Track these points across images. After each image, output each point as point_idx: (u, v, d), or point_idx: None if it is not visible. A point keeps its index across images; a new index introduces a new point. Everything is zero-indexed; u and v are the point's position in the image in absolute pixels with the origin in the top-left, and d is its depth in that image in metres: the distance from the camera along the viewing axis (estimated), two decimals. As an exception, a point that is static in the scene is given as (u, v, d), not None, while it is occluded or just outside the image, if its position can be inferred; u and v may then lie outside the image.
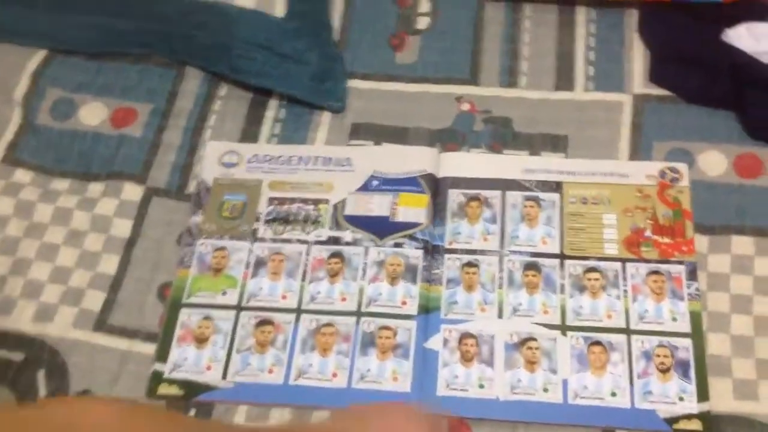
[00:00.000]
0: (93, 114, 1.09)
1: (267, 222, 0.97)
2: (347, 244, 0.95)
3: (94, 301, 0.95)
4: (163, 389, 0.88)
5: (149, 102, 1.09)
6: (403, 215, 0.97)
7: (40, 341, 0.92)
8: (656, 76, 1.06)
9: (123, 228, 0.99)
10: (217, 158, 1.02)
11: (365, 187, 0.99)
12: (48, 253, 0.98)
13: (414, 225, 0.95)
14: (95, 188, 1.02)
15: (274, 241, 0.96)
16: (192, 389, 0.88)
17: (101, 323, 0.93)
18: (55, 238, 0.99)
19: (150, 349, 0.91)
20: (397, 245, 0.95)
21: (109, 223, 1.00)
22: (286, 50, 1.08)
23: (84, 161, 1.05)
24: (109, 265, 0.97)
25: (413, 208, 0.97)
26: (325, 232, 0.96)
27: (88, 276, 0.96)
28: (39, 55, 1.14)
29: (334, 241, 0.96)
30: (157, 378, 0.88)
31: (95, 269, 0.97)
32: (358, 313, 0.91)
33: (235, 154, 1.03)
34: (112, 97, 1.10)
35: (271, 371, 0.88)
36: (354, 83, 1.09)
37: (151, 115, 1.08)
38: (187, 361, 0.89)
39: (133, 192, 1.02)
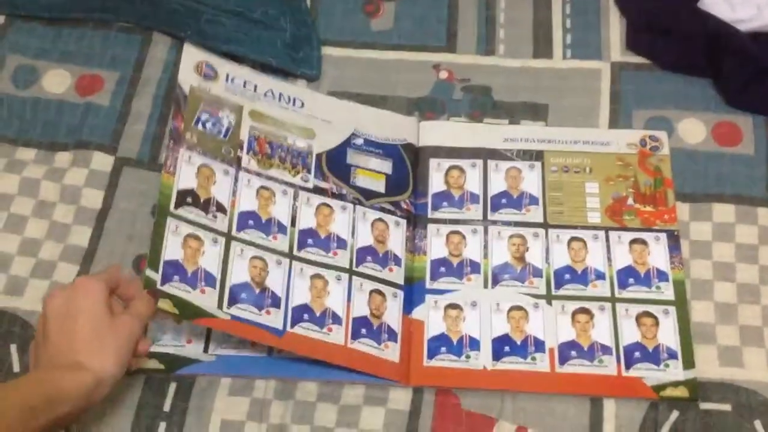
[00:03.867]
0: (57, 82, 1.05)
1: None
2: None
3: (67, 273, 0.91)
4: (143, 364, 0.85)
5: (115, 69, 1.06)
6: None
7: (11, 315, 0.89)
8: (633, 43, 1.06)
9: (94, 199, 0.96)
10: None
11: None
12: (16, 224, 0.94)
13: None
14: (63, 158, 0.99)
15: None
16: (173, 363, 0.85)
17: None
18: (22, 209, 0.95)
19: (126, 322, 0.88)
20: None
21: (78, 194, 0.96)
22: (258, 16, 1.05)
23: (50, 130, 1.01)
24: (81, 237, 0.94)
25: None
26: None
27: (59, 248, 0.93)
28: (-6, 21, 1.09)
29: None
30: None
31: (66, 241, 0.93)
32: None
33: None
34: (75, 64, 1.06)
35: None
36: (328, 50, 1.07)
37: (118, 82, 1.04)
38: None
39: (102, 162, 0.98)
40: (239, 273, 0.86)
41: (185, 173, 0.89)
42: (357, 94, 1.03)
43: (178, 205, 0.87)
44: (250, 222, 0.89)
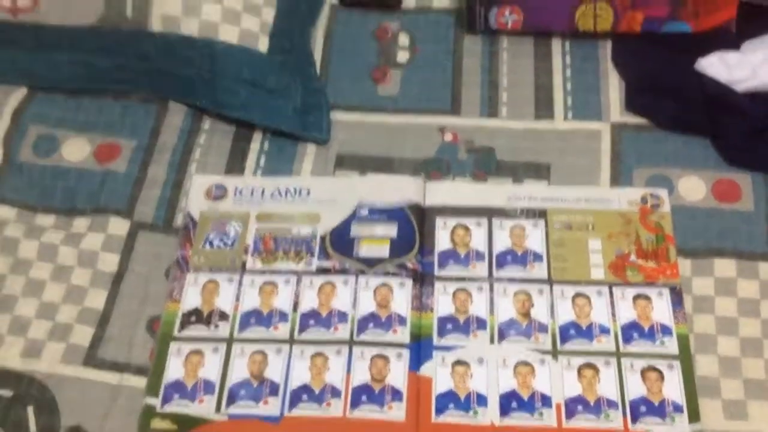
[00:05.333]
0: (76, 150, 1.09)
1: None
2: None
3: (83, 335, 0.94)
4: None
5: (132, 137, 1.09)
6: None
7: (28, 377, 0.91)
8: (631, 104, 1.09)
9: (110, 262, 0.99)
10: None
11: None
12: (34, 288, 0.97)
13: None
14: (81, 223, 1.02)
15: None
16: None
17: (90, 358, 0.92)
18: (41, 273, 0.98)
19: (141, 382, 0.90)
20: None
21: (95, 258, 0.99)
22: (271, 84, 1.09)
23: (68, 197, 1.04)
24: (97, 299, 0.96)
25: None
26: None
27: (75, 311, 0.95)
28: (19, 93, 1.14)
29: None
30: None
31: (83, 304, 0.96)
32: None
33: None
34: (94, 132, 1.10)
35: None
36: (337, 115, 1.11)
37: (135, 150, 1.08)
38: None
39: (119, 226, 1.01)
40: (239, 371, 0.90)
41: (190, 295, 0.94)
42: (365, 157, 1.07)
43: (181, 328, 0.92)
44: (252, 320, 0.93)
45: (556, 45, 1.15)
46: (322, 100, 1.11)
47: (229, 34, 1.08)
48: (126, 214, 1.02)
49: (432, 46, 1.17)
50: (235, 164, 1.07)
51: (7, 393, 0.90)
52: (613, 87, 1.10)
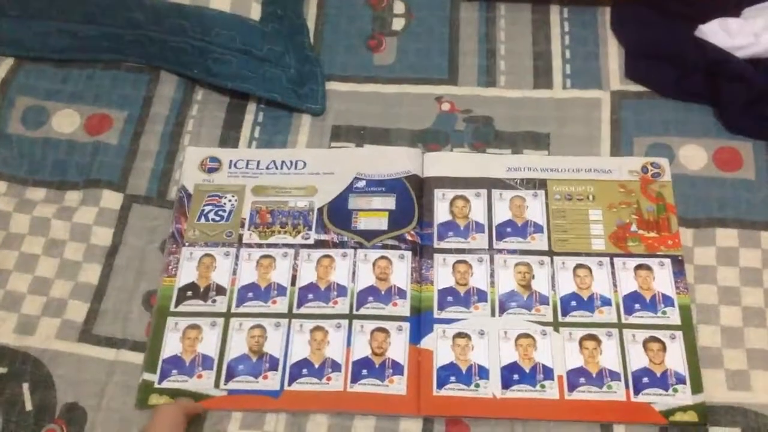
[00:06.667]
0: (66, 121, 1.07)
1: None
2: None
3: (77, 311, 0.92)
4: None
5: (123, 108, 1.07)
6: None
7: (23, 353, 0.90)
8: (631, 71, 1.07)
9: (103, 236, 0.97)
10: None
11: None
12: (27, 263, 0.96)
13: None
14: (72, 197, 1.00)
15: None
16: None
17: (86, 334, 0.91)
18: (33, 248, 0.97)
19: (137, 358, 0.89)
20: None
21: (88, 232, 0.97)
22: (264, 53, 1.07)
23: (59, 170, 1.02)
24: (91, 274, 0.95)
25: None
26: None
27: (69, 286, 0.94)
28: (5, 64, 1.11)
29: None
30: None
31: (76, 279, 0.95)
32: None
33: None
34: (84, 104, 1.08)
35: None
36: (332, 85, 1.09)
37: (127, 121, 1.06)
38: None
39: (112, 200, 1.00)
40: (237, 346, 0.89)
41: (186, 270, 0.93)
42: (361, 128, 1.05)
43: (178, 303, 0.91)
44: (250, 294, 0.92)
45: (555, 12, 1.13)
46: (316, 70, 1.09)
47: (220, 2, 1.06)
48: (118, 187, 1.01)
49: (428, 13, 1.14)
50: (229, 136, 1.05)
51: (1, 369, 0.88)
52: (613, 54, 1.08)
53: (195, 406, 0.85)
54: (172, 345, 0.89)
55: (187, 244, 0.95)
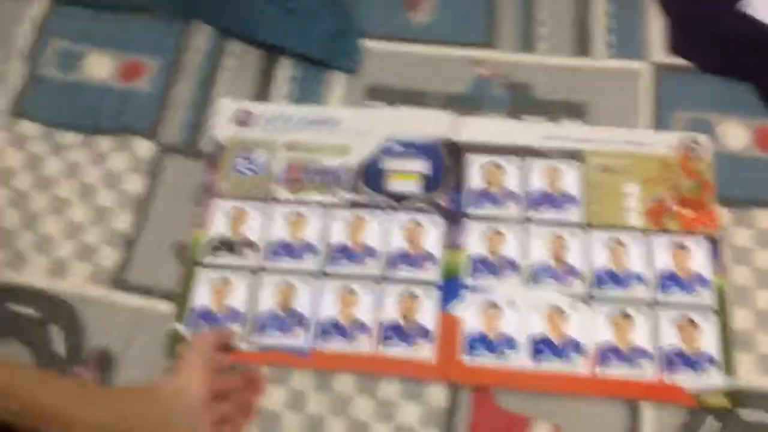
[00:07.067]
0: (99, 66, 1.06)
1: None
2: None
3: (109, 257, 0.92)
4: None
5: (156, 56, 1.06)
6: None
7: (54, 296, 0.90)
8: (675, 46, 1.05)
9: (135, 184, 0.97)
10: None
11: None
12: (59, 207, 0.95)
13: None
14: (105, 143, 1.00)
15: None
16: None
17: (117, 280, 0.91)
18: (66, 192, 0.96)
19: (167, 307, 0.89)
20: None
21: (120, 179, 0.97)
22: (298, 5, 1.05)
23: (92, 115, 1.02)
24: (124, 221, 0.95)
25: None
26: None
27: (101, 232, 0.94)
28: (38, 4, 1.10)
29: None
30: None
31: (109, 225, 0.94)
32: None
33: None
34: (117, 49, 1.07)
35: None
36: (368, 44, 1.07)
37: (159, 69, 1.05)
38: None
39: (144, 148, 0.99)
40: (266, 302, 0.88)
41: (218, 222, 0.92)
42: (395, 89, 1.03)
43: (208, 255, 0.91)
44: (280, 250, 0.91)
45: (598, -22, 1.10)
46: (351, 27, 1.07)
47: (258, -48, 1.04)
48: (150, 135, 1.00)
49: (468, -26, 1.12)
50: (262, 90, 1.04)
51: (31, 311, 0.89)
52: (655, 25, 1.06)
53: (227, 334, 0.85)
54: (201, 296, 0.89)
55: (219, 196, 0.94)
